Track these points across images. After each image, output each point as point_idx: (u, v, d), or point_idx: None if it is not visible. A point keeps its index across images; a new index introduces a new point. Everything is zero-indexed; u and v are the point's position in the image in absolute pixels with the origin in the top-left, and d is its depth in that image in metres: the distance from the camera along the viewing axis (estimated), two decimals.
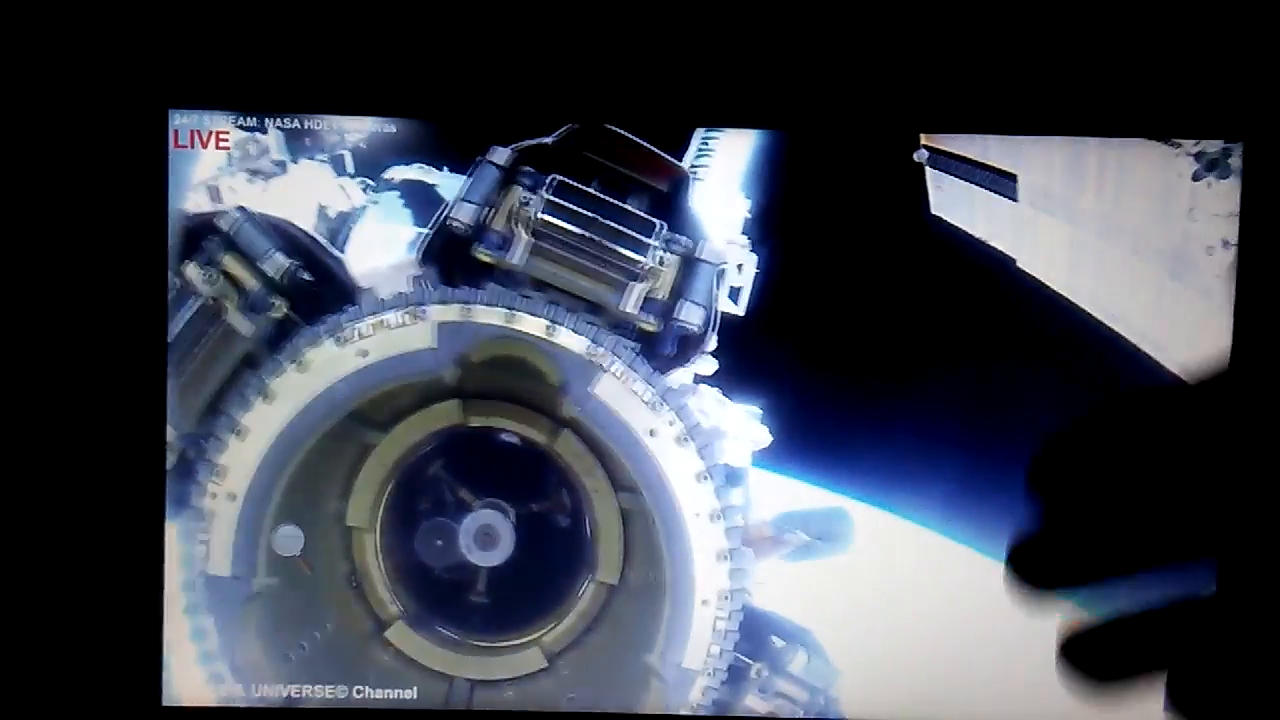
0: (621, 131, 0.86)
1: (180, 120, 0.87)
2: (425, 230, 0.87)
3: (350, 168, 0.88)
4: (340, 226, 0.89)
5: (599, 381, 0.85)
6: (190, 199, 0.87)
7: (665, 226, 0.86)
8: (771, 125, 0.88)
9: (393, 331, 0.85)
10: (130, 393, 0.87)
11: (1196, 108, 0.88)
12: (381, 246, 0.89)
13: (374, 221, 0.89)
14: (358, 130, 0.87)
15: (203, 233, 0.87)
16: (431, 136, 0.88)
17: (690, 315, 0.85)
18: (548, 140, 0.86)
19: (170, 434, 0.86)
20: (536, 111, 0.88)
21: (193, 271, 0.86)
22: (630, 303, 0.86)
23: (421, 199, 0.89)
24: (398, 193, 0.89)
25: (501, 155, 0.86)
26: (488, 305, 0.85)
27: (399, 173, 0.88)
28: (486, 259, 0.86)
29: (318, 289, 0.87)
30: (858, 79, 0.89)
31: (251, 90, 0.88)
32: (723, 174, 0.88)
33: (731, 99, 0.88)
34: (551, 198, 0.85)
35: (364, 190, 0.89)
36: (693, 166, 0.88)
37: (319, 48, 0.88)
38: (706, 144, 0.88)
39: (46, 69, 0.87)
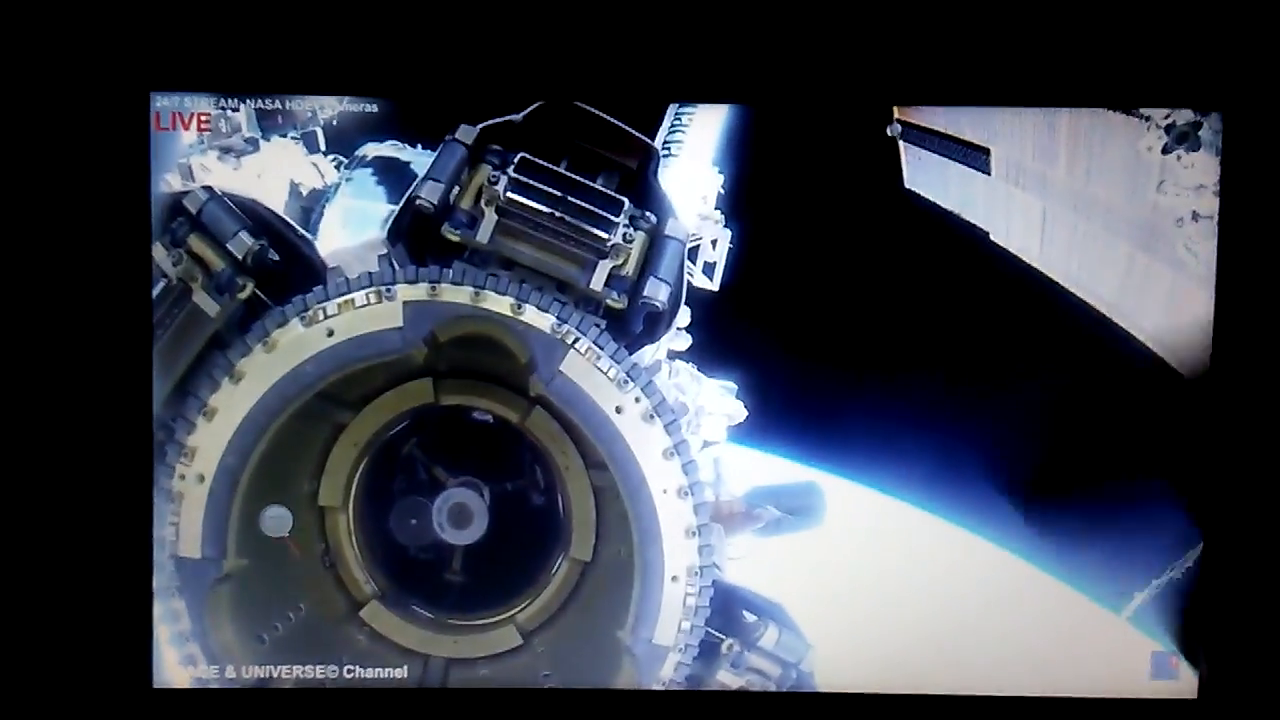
0: (590, 109, 0.87)
1: (162, 103, 0.87)
2: (393, 209, 0.88)
3: (322, 145, 0.88)
4: (313, 204, 0.89)
5: (566, 359, 0.86)
6: (164, 178, 0.87)
7: (631, 204, 0.87)
8: (744, 100, 0.89)
9: (360, 311, 0.85)
10: (114, 376, 0.88)
11: (1172, 77, 0.89)
12: (355, 224, 0.89)
13: (347, 199, 0.89)
14: (330, 107, 0.88)
15: (169, 213, 0.87)
16: (404, 113, 0.88)
17: (657, 292, 0.86)
18: (516, 118, 0.87)
19: None
20: (509, 89, 0.88)
21: (159, 252, 0.86)
22: (597, 280, 0.86)
23: (395, 176, 0.89)
24: (370, 170, 0.89)
25: (468, 134, 0.86)
26: (455, 284, 0.86)
27: (372, 150, 0.89)
28: (454, 238, 0.86)
29: (285, 269, 0.87)
30: (830, 52, 0.89)
31: (232, 72, 0.88)
32: (696, 149, 0.89)
33: (703, 74, 0.88)
34: (517, 176, 0.85)
35: (336, 168, 0.89)
36: (665, 142, 0.88)
37: (298, 29, 0.88)
38: (680, 119, 0.88)
39: (28, 53, 0.87)
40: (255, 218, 0.87)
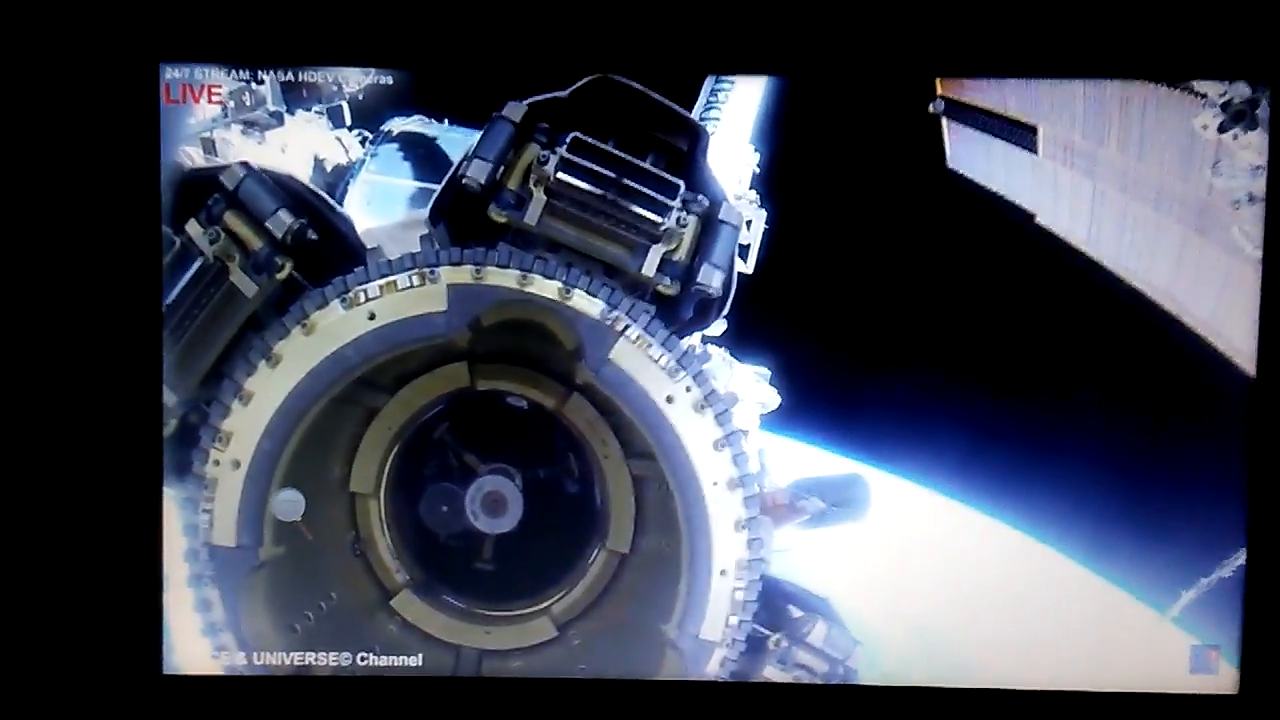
0: (638, 86, 0.85)
1: (172, 74, 0.86)
2: (435, 187, 0.87)
3: (348, 120, 0.88)
4: (337, 180, 0.88)
5: (615, 346, 0.85)
6: (185, 152, 0.86)
7: (684, 189, 0.86)
8: (781, 71, 0.88)
9: (402, 294, 0.84)
10: (124, 352, 0.87)
11: (1223, 50, 0.88)
12: (380, 200, 0.88)
13: (372, 175, 0.89)
14: (355, 82, 0.87)
15: (204, 189, 0.86)
16: (426, 86, 0.87)
17: (710, 278, 0.85)
18: (562, 94, 0.85)
19: (170, 399, 0.86)
20: (537, 60, 0.87)
21: (194, 229, 0.85)
22: (649, 265, 0.85)
23: (421, 152, 0.89)
24: (396, 145, 0.89)
25: (516, 111, 0.85)
26: (501, 267, 0.84)
27: (398, 125, 0.88)
28: (500, 219, 0.85)
29: (324, 249, 0.86)
30: (870, 21, 0.88)
31: (243, 42, 0.87)
32: (732, 127, 0.88)
33: (739, 44, 0.87)
34: (569, 155, 0.84)
35: (361, 143, 0.88)
36: (701, 118, 0.87)
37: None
38: (715, 96, 0.88)
39: (37, 25, 0.86)
40: (293, 195, 0.87)
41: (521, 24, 0.87)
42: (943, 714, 0.91)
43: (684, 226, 0.85)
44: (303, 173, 0.88)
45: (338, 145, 0.88)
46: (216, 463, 0.85)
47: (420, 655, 0.90)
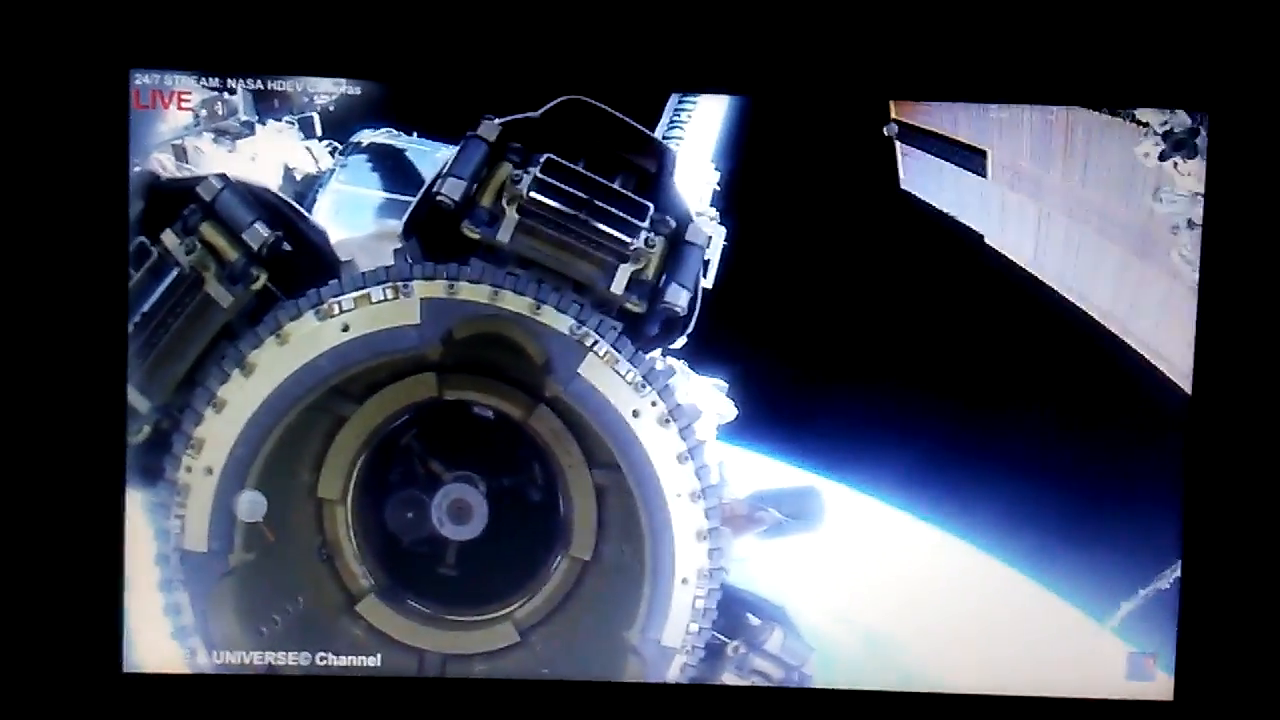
0: (608, 109, 0.88)
1: (142, 80, 0.88)
2: (404, 198, 0.89)
3: (319, 130, 0.89)
4: (306, 189, 0.90)
5: (584, 361, 0.87)
6: (157, 159, 0.88)
7: (653, 211, 0.88)
8: (742, 90, 0.90)
9: (376, 306, 0.86)
10: (91, 356, 0.88)
11: (1163, 77, 0.90)
12: (349, 210, 0.90)
13: (341, 185, 0.90)
14: (327, 93, 0.89)
15: (180, 199, 0.87)
16: (401, 100, 0.89)
17: (678, 297, 0.88)
18: (534, 115, 0.88)
19: (144, 405, 0.87)
20: (506, 75, 0.89)
21: (170, 240, 0.87)
22: (618, 284, 0.88)
23: (390, 163, 0.90)
24: (365, 156, 0.90)
25: (490, 131, 0.87)
26: (473, 282, 0.87)
27: (367, 136, 0.90)
28: (473, 235, 0.87)
29: (299, 261, 0.88)
30: (828, 44, 0.90)
31: (214, 50, 0.88)
32: (693, 146, 0.90)
33: (700, 63, 0.90)
34: (542, 176, 0.86)
35: (331, 153, 0.90)
36: (663, 138, 0.90)
37: (282, 7, 0.88)
38: (678, 115, 0.90)
39: (7, 30, 0.87)
40: (269, 207, 0.88)
41: (491, 39, 0.89)
42: (890, 717, 0.93)
43: (652, 247, 0.88)
44: (273, 181, 0.89)
45: (308, 155, 0.90)
46: (189, 469, 0.87)
47: (383, 658, 0.91)
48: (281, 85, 0.88)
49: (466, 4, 0.89)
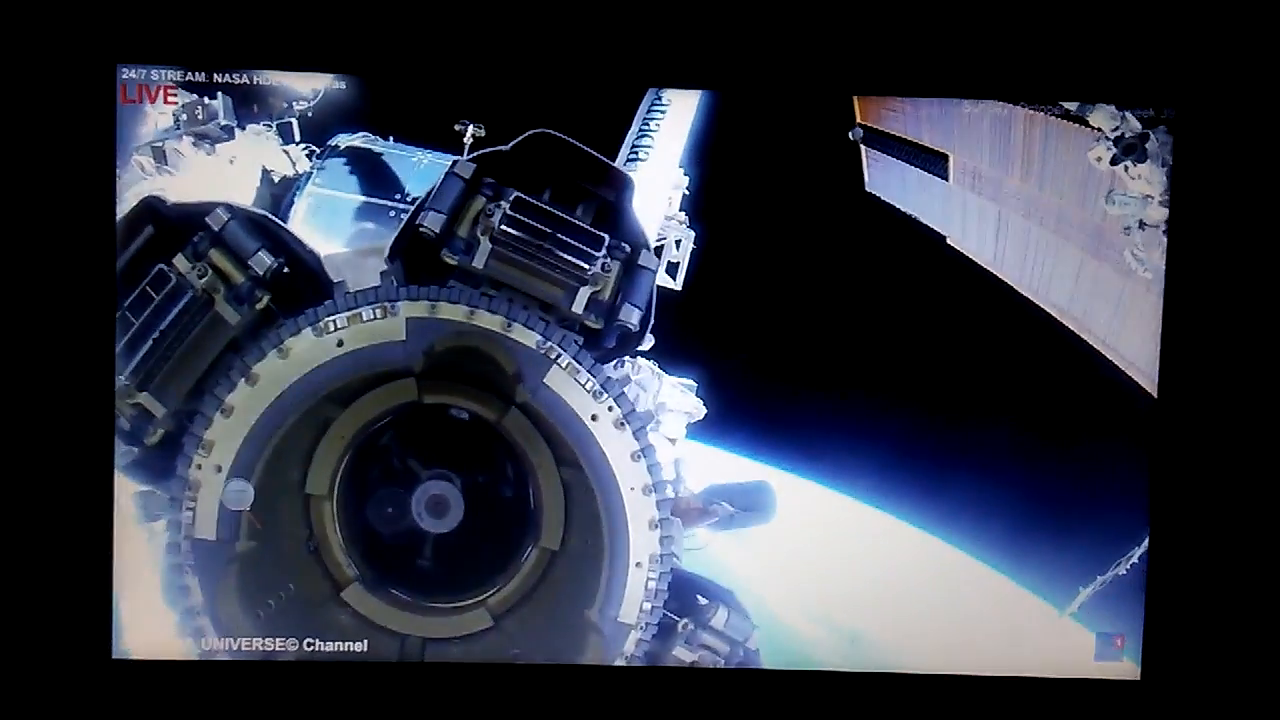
0: (573, 141, 0.99)
1: (128, 75, 0.95)
2: (379, 201, 0.99)
3: (297, 135, 0.98)
4: (283, 192, 0.99)
5: (549, 372, 0.99)
6: (137, 161, 0.96)
7: (610, 235, 0.99)
8: (706, 85, 0.97)
9: (367, 324, 0.98)
10: (79, 348, 0.97)
11: (1128, 76, 0.96)
12: (326, 213, 0.99)
13: (318, 188, 0.99)
14: (304, 99, 0.97)
15: (190, 227, 0.98)
16: (378, 103, 0.97)
17: (630, 316, 0.99)
18: (504, 149, 0.99)
19: (159, 410, 0.99)
20: (482, 79, 0.97)
21: (182, 264, 0.98)
22: (579, 303, 0.99)
23: (366, 167, 1.00)
24: (343, 160, 1.00)
25: (466, 169, 0.98)
26: (451, 303, 0.98)
27: (344, 140, 0.99)
28: (452, 262, 0.99)
29: (295, 281, 0.99)
30: (794, 41, 0.97)
31: (199, 46, 0.95)
32: (663, 153, 0.99)
33: (673, 62, 0.97)
34: (511, 212, 0.98)
35: (308, 157, 0.99)
36: (634, 145, 0.99)
37: (265, 4, 0.95)
38: (648, 124, 0.99)
39: None
40: (267, 232, 0.98)
41: (466, 40, 0.96)
42: (874, 697, 1.03)
43: (609, 271, 0.99)
44: (250, 184, 0.98)
45: (285, 159, 0.99)
46: (199, 467, 0.98)
47: (367, 642, 1.01)
48: (265, 81, 0.96)
49: (441, 4, 0.96)
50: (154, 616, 1.01)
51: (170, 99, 0.95)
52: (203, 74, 0.96)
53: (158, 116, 0.96)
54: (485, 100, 0.98)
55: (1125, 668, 1.02)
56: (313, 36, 0.96)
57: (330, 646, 1.01)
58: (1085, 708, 1.02)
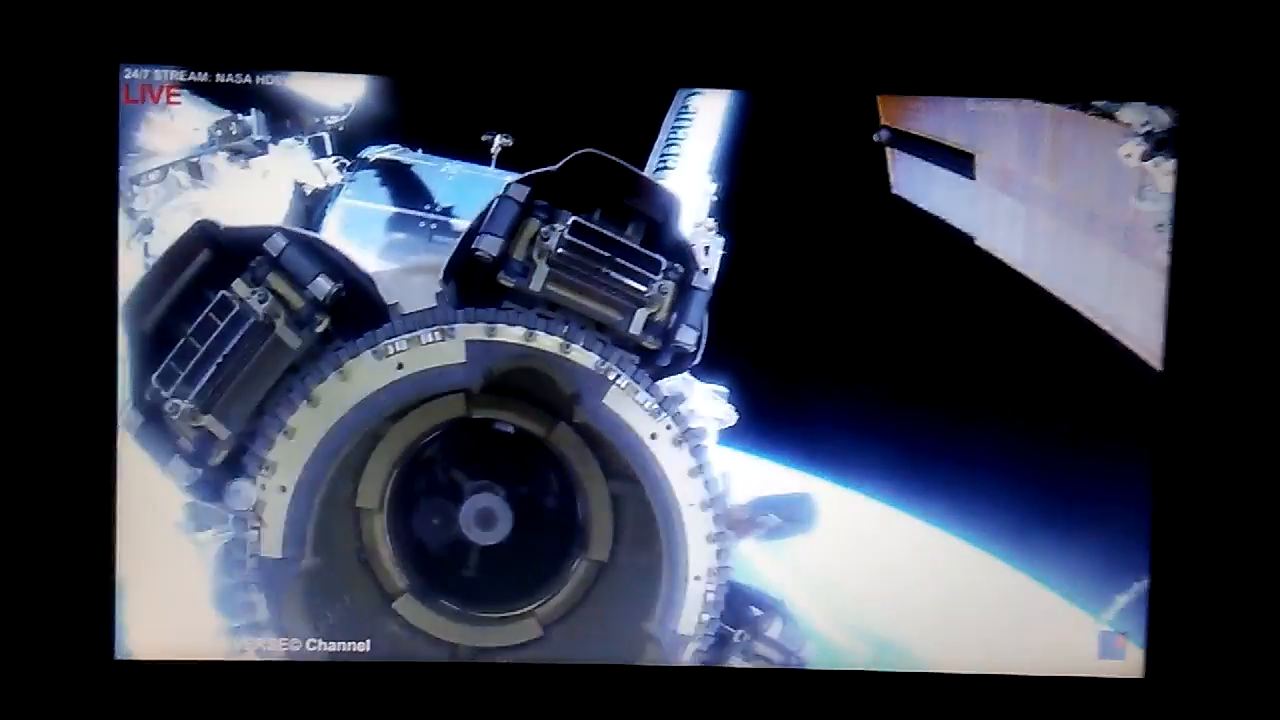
0: (621, 162, 1.00)
1: (131, 74, 0.97)
2: (409, 212, 1.01)
3: (328, 149, 1.01)
4: (315, 204, 1.02)
5: (608, 393, 1.02)
6: (175, 177, 0.98)
7: (664, 258, 1.01)
8: (735, 85, 0.99)
9: (426, 347, 1.00)
10: (83, 348, 0.98)
11: (1137, 72, 0.96)
12: (357, 225, 1.01)
13: (349, 200, 1.01)
14: (336, 113, 0.99)
15: (246, 252, 1.00)
16: (408, 119, 0.99)
17: (687, 337, 1.01)
18: (553, 170, 1.01)
19: (223, 433, 1.01)
20: (507, 82, 0.98)
21: (242, 289, 1.00)
22: (636, 325, 1.01)
23: (398, 179, 1.01)
24: (373, 172, 1.02)
25: (520, 192, 1.00)
26: (509, 325, 1.01)
27: (374, 153, 1.01)
28: (509, 284, 1.01)
29: (352, 304, 1.01)
30: (819, 43, 0.98)
31: (203, 46, 0.96)
32: (692, 159, 1.01)
33: (701, 66, 0.98)
34: (570, 236, 1.00)
35: (339, 169, 1.01)
36: (663, 154, 1.01)
37: (270, 4, 0.97)
38: (676, 131, 1.01)
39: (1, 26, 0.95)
40: (322, 256, 1.00)
41: (492, 45, 0.98)
42: (878, 694, 1.05)
43: (665, 293, 1.01)
44: (284, 196, 1.00)
45: (317, 171, 1.01)
46: (263, 487, 1.01)
47: (418, 651, 1.03)
48: (267, 81, 0.98)
49: (463, 8, 0.98)
50: (156, 617, 1.03)
51: (173, 99, 0.97)
52: (205, 74, 0.97)
53: (190, 136, 0.99)
54: (510, 103, 1.00)
55: (1129, 665, 1.04)
56: (312, 36, 0.97)
57: (382, 653, 1.04)
58: (1085, 708, 1.04)
